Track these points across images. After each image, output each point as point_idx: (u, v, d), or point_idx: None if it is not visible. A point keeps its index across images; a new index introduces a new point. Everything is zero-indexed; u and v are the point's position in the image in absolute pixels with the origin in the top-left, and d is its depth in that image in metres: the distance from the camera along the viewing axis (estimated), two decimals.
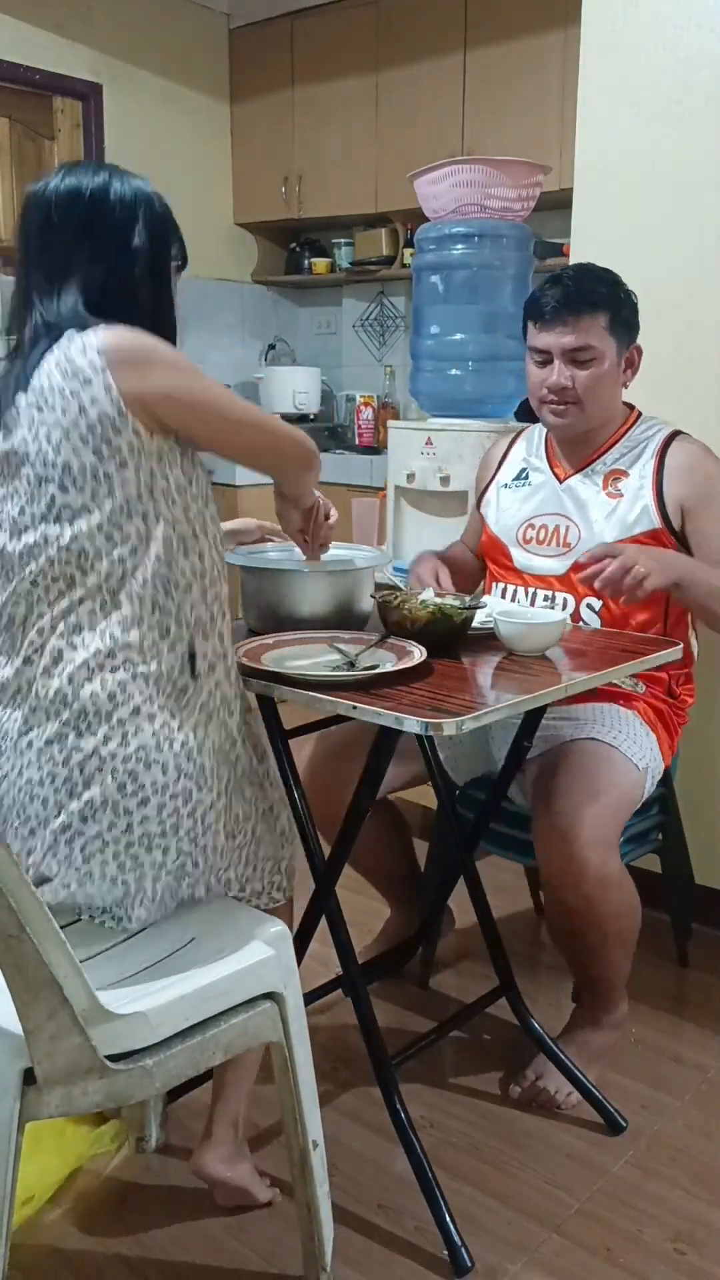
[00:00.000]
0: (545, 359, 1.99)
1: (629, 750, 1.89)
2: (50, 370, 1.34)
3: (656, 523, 1.98)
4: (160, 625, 1.39)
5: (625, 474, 2.02)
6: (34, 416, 1.34)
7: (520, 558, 2.09)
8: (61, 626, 1.37)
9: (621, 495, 2.01)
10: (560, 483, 2.09)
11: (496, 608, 1.80)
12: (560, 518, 2.06)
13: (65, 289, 1.39)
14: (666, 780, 2.16)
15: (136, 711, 1.37)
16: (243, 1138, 1.68)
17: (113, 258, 1.40)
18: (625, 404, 2.09)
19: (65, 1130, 1.74)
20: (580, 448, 2.08)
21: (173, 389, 1.36)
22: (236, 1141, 1.66)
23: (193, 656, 1.42)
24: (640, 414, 2.09)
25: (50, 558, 1.36)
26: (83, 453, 1.33)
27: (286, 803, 1.64)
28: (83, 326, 1.35)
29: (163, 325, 1.43)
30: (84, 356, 1.32)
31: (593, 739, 1.90)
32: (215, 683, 1.45)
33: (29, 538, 1.36)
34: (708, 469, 1.99)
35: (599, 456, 2.06)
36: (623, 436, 2.05)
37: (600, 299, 1.95)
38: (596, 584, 1.75)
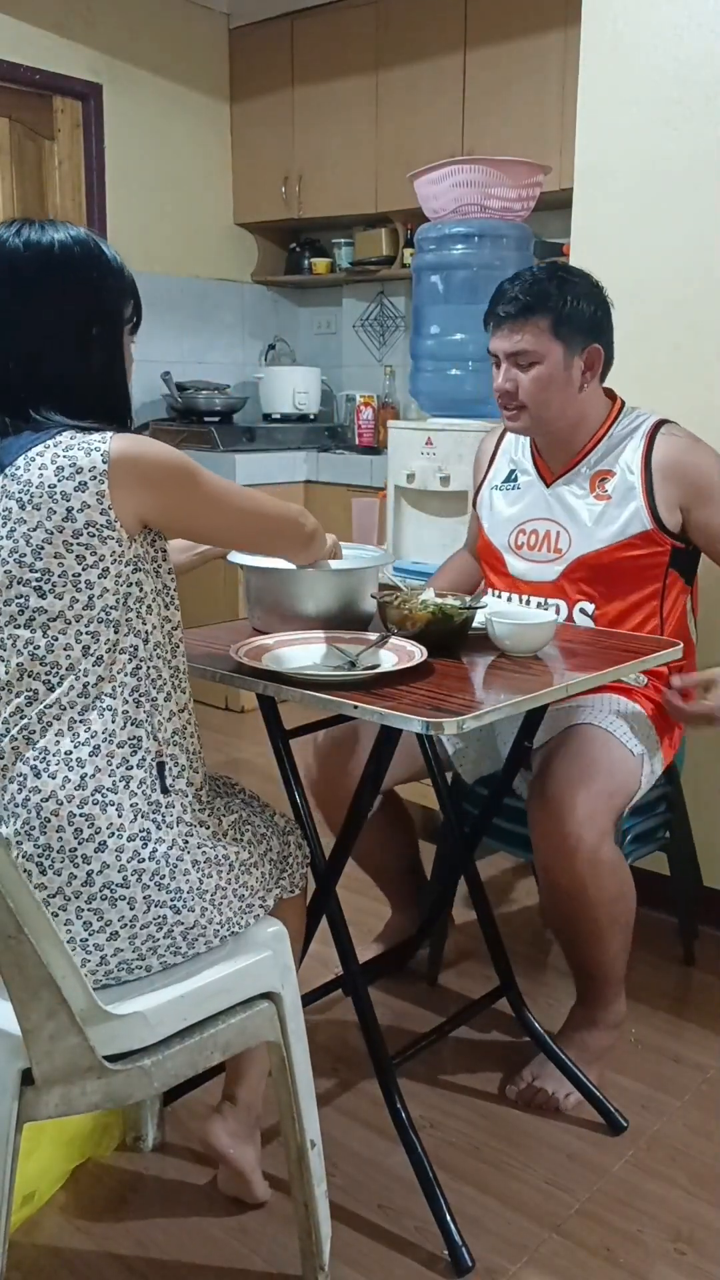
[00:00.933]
0: (496, 362, 2.00)
1: (624, 736, 1.89)
2: (46, 464, 1.29)
3: (648, 524, 1.96)
4: (131, 740, 1.35)
5: (611, 473, 2.00)
6: (10, 509, 1.29)
7: (514, 564, 2.09)
8: (21, 741, 1.32)
9: (609, 497, 1.99)
10: (548, 486, 2.08)
11: (491, 608, 1.80)
12: (550, 523, 2.05)
13: (31, 372, 1.34)
14: (673, 778, 2.16)
15: (104, 841, 1.32)
16: (255, 1124, 1.68)
17: (72, 335, 1.35)
18: (608, 395, 2.06)
19: (65, 1131, 1.74)
20: (563, 448, 2.06)
21: (172, 504, 1.36)
22: (249, 1124, 1.66)
23: (162, 767, 1.38)
24: (623, 405, 2.07)
25: (19, 665, 1.31)
26: (66, 559, 1.29)
27: (261, 804, 1.60)
28: (81, 428, 1.32)
29: (118, 398, 1.41)
30: (88, 457, 1.29)
31: (589, 724, 1.91)
32: (187, 799, 1.41)
33: None
34: (698, 462, 1.97)
35: (583, 458, 2.04)
36: (605, 435, 2.03)
37: (537, 303, 1.92)
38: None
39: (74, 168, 4.22)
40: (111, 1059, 1.27)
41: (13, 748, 1.32)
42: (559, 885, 1.83)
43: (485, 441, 2.27)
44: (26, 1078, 1.25)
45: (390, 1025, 2.10)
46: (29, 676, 1.32)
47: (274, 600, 1.78)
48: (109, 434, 1.31)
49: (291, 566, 1.74)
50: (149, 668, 1.37)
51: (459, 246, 2.74)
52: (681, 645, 1.81)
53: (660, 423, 2.02)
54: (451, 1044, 2.10)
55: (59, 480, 1.28)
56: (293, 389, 4.60)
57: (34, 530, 1.29)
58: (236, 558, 1.79)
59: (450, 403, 2.86)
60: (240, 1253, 1.62)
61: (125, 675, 1.35)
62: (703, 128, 2.30)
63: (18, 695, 1.32)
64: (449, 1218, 1.62)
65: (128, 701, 1.35)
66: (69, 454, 1.29)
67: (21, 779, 1.31)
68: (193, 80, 4.52)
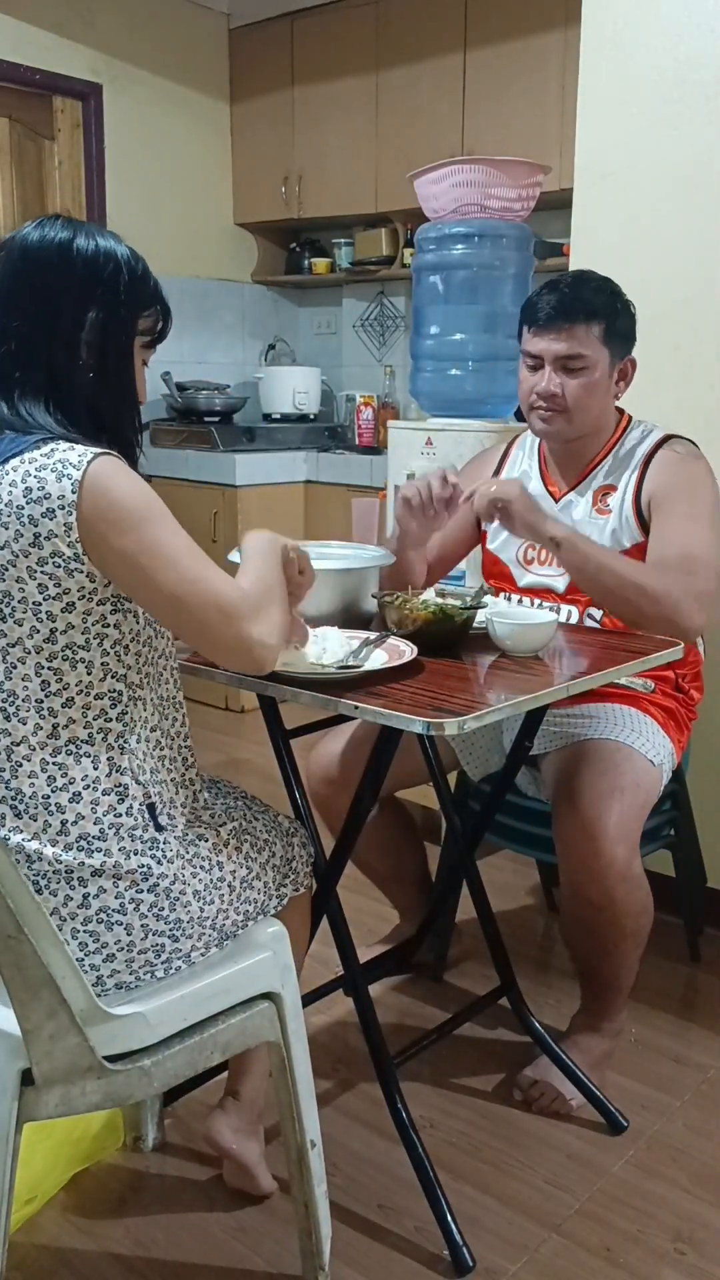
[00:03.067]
0: (537, 364, 1.97)
1: (644, 748, 1.90)
2: (16, 482, 1.22)
3: (638, 535, 1.97)
4: (118, 788, 1.31)
5: (614, 488, 2.01)
6: None
7: (523, 578, 2.09)
8: None
9: (609, 511, 2.00)
10: (556, 501, 2.07)
11: (492, 608, 1.80)
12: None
13: (29, 370, 1.29)
14: (679, 777, 2.16)
15: (99, 869, 1.29)
16: (258, 1119, 1.68)
17: (73, 342, 1.30)
18: (616, 409, 2.07)
19: (70, 1134, 1.74)
20: (573, 461, 2.06)
21: (113, 546, 1.23)
22: (251, 1119, 1.66)
23: (152, 808, 1.34)
24: (630, 420, 2.07)
25: None
26: (27, 585, 1.23)
27: (262, 807, 1.60)
28: (66, 438, 1.25)
29: (111, 410, 1.35)
30: (59, 483, 1.21)
31: (609, 739, 1.90)
32: (179, 829, 1.37)
33: None
34: (685, 471, 1.97)
35: (590, 471, 2.04)
36: (612, 449, 2.04)
37: (597, 308, 1.92)
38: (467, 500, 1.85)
39: (74, 168, 4.22)
40: (111, 1059, 1.27)
41: None
42: (588, 899, 1.82)
43: (485, 457, 2.25)
44: (26, 1078, 1.25)
45: (391, 1025, 2.10)
46: None
47: None
48: (89, 455, 1.23)
49: None
50: (133, 712, 1.32)
51: (459, 246, 2.74)
52: (682, 645, 1.81)
53: (666, 438, 2.02)
54: (452, 1044, 2.10)
55: (27, 502, 1.22)
56: (293, 389, 4.60)
57: (1, 549, 1.24)
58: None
59: (450, 403, 2.86)
60: (240, 1252, 1.62)
61: (107, 721, 1.30)
62: (703, 128, 2.30)
63: None
64: (449, 1218, 1.62)
65: (111, 748, 1.31)
66: (40, 475, 1.22)
67: (1, 818, 1.29)
68: (193, 80, 4.52)
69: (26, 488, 1.22)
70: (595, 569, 1.84)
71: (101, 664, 1.29)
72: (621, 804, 1.79)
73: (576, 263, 2.49)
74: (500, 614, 1.72)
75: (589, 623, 2.01)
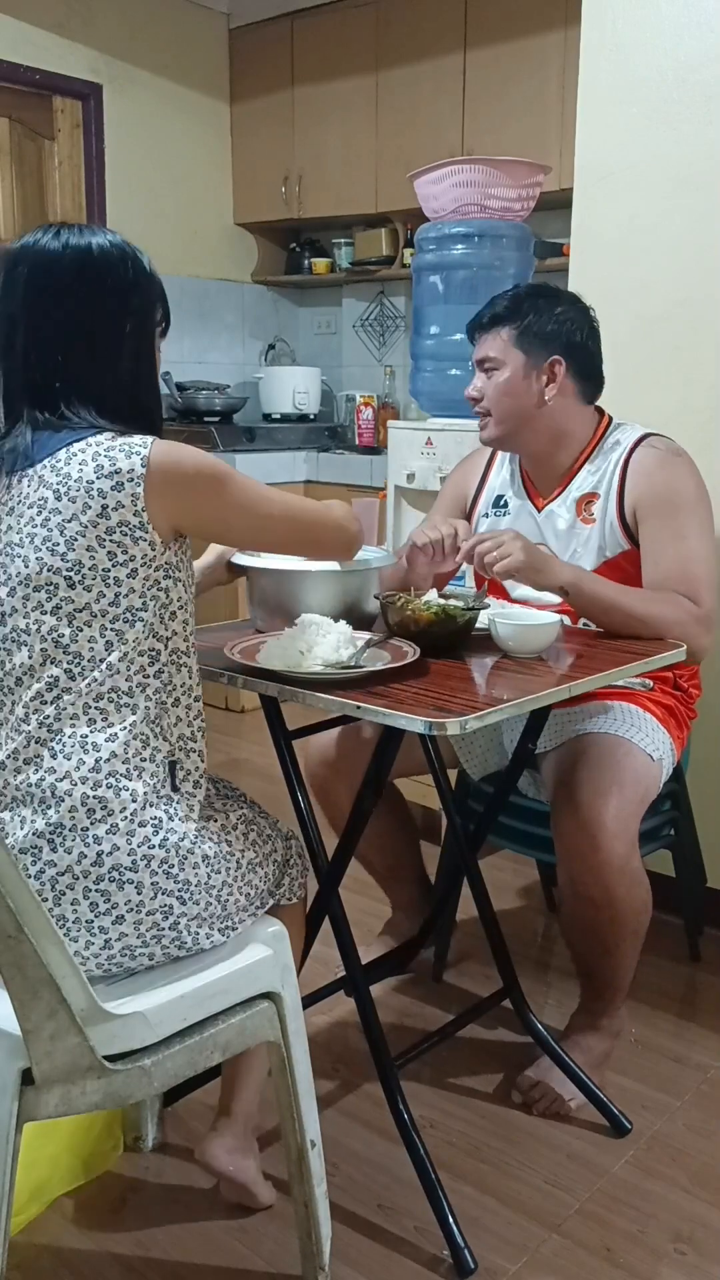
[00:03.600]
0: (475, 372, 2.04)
1: (643, 743, 1.89)
2: (86, 461, 1.33)
3: (624, 543, 1.96)
4: (148, 738, 1.38)
5: (596, 495, 2.00)
6: (46, 498, 1.33)
7: (514, 590, 2.08)
8: (39, 728, 1.34)
9: (594, 520, 1.99)
10: (539, 512, 2.07)
11: (494, 609, 1.80)
12: (543, 549, 2.04)
13: (67, 372, 1.38)
14: (678, 775, 2.16)
15: (116, 823, 1.34)
16: (252, 1133, 1.67)
17: (116, 346, 1.41)
18: (596, 410, 2.05)
19: (70, 1137, 1.74)
20: (550, 469, 2.05)
21: (204, 511, 1.40)
22: (245, 1135, 1.66)
23: (174, 767, 1.40)
24: (610, 422, 2.05)
25: (43, 650, 1.34)
26: (98, 553, 1.33)
27: (262, 810, 1.60)
28: (119, 431, 1.36)
29: (148, 399, 1.46)
30: (128, 459, 1.33)
31: (608, 732, 1.90)
32: (194, 800, 1.42)
33: (19, 621, 1.35)
34: (668, 474, 1.95)
35: (570, 479, 2.03)
36: (590, 454, 2.02)
37: (501, 314, 1.97)
38: (463, 557, 1.86)
39: (74, 168, 4.22)
40: (111, 1059, 1.27)
41: (36, 738, 1.34)
42: (589, 897, 1.82)
43: (474, 457, 2.24)
44: (26, 1077, 1.25)
45: (391, 1025, 2.10)
46: (51, 663, 1.35)
47: (277, 601, 1.78)
48: (149, 439, 1.35)
49: (294, 567, 1.74)
50: (168, 673, 1.40)
51: (459, 246, 2.74)
52: (684, 647, 1.81)
53: (644, 437, 1.99)
54: (452, 1044, 2.10)
55: (97, 478, 1.32)
56: (293, 389, 4.60)
57: (68, 521, 1.32)
58: (240, 558, 1.79)
59: (450, 403, 2.85)
60: (240, 1253, 1.61)
61: (145, 676, 1.38)
62: (703, 128, 2.30)
63: (39, 681, 1.35)
64: (450, 1218, 1.62)
65: (149, 699, 1.38)
66: (109, 454, 1.33)
67: (38, 760, 1.34)
68: (193, 80, 4.52)
69: (97, 465, 1.33)
70: (604, 609, 1.85)
71: (150, 624, 1.37)
72: (620, 798, 1.79)
73: (576, 263, 2.49)
74: (503, 615, 1.72)
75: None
